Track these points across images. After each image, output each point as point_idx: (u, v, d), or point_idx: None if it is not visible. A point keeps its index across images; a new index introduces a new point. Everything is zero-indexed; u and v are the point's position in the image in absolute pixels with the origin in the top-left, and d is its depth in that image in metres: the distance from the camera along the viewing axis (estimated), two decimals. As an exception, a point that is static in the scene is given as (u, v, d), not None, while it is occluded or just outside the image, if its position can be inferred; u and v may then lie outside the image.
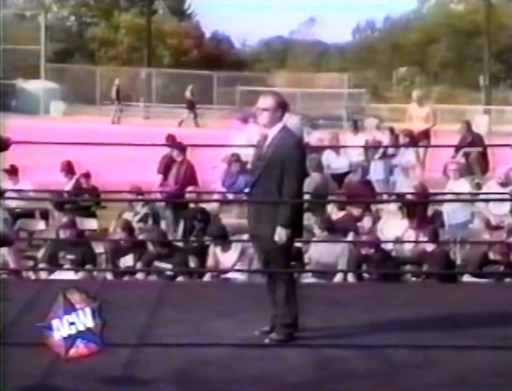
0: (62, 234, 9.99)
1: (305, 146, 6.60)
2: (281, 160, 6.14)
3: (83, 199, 12.02)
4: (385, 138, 13.93)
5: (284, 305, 6.23)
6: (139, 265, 9.45)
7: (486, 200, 10.80)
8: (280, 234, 6.09)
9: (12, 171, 11.95)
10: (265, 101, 6.29)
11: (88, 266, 9.57)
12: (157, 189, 12.22)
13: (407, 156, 12.97)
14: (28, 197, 11.21)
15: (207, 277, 9.38)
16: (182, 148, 11.96)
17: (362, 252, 9.18)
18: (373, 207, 11.10)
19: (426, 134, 15.10)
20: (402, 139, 13.69)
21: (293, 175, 6.14)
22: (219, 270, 9.39)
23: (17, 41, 37.16)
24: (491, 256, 8.91)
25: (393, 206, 10.58)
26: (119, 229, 9.93)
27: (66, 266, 9.46)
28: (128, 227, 9.93)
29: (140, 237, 10.19)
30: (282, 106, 6.31)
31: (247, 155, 12.64)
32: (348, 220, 10.62)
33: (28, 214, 11.67)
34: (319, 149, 13.02)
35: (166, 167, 12.48)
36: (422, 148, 14.22)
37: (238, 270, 9.34)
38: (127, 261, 9.56)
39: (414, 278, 9.32)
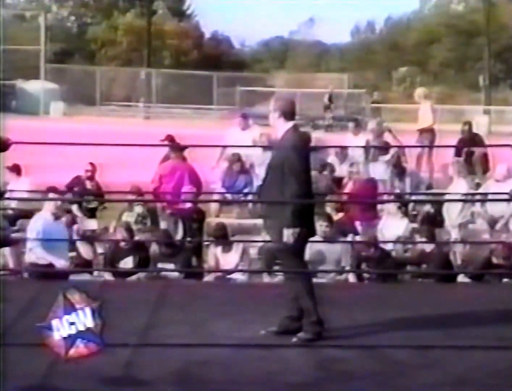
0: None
1: (307, 146, 6.58)
2: (281, 162, 6.18)
3: (83, 199, 12.01)
4: (390, 139, 13.91)
5: (300, 304, 6.24)
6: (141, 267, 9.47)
7: (486, 200, 10.79)
8: (287, 235, 6.10)
9: (15, 170, 11.93)
10: (272, 103, 6.35)
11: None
12: (158, 191, 12.24)
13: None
14: (28, 198, 11.17)
15: (207, 277, 9.38)
16: (181, 148, 11.92)
17: (361, 252, 9.18)
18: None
19: (429, 132, 14.88)
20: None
21: (291, 176, 6.13)
22: (222, 271, 9.38)
23: (17, 41, 37.21)
24: (494, 260, 8.84)
25: (393, 206, 10.58)
26: (119, 230, 9.91)
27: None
28: (128, 229, 9.90)
29: (139, 238, 10.16)
30: (287, 108, 6.32)
31: (248, 155, 12.68)
32: (347, 221, 10.66)
33: (26, 214, 11.65)
34: (319, 150, 12.99)
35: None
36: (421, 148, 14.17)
37: (241, 270, 9.33)
38: (127, 263, 9.54)
39: (413, 278, 9.31)
